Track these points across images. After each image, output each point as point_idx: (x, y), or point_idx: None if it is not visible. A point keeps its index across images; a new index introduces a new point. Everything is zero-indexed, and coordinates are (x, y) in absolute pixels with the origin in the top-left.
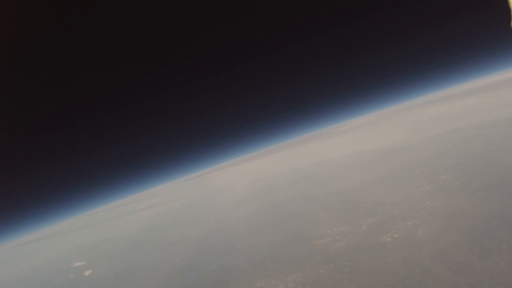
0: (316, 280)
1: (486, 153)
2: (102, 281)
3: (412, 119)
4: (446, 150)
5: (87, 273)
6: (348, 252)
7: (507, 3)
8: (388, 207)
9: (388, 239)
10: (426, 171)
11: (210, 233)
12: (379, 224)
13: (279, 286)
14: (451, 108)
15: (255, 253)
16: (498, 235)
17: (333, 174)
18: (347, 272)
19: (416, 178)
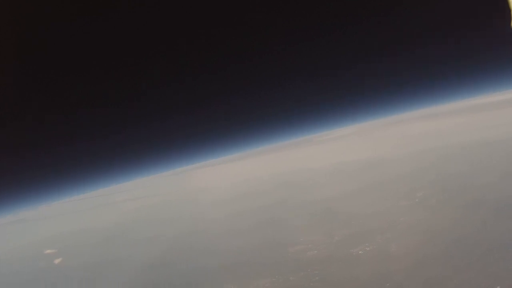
0: (285, 287)
1: (467, 172)
2: (71, 271)
3: (399, 133)
4: (427, 167)
5: (57, 261)
6: (319, 261)
7: (507, 3)
8: (364, 219)
9: (360, 252)
10: (405, 186)
11: (186, 232)
12: (353, 236)
13: None
14: (439, 125)
15: (228, 256)
16: (472, 252)
17: (315, 182)
18: (316, 281)
19: (395, 193)
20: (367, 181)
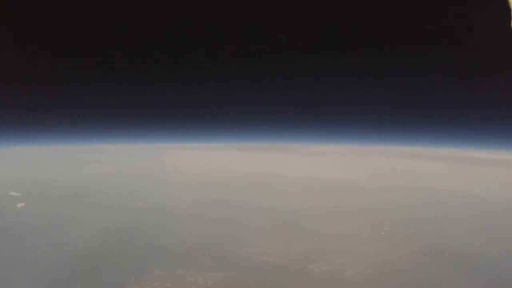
0: (235, 285)
1: (439, 219)
2: (30, 218)
3: (382, 164)
4: (400, 204)
5: (19, 205)
6: (274, 268)
7: (507, 3)
8: (326, 238)
9: (316, 269)
10: (373, 217)
11: (150, 207)
12: (313, 252)
13: (199, 279)
14: (427, 166)
15: (185, 240)
16: None
17: (285, 190)
18: (267, 287)
19: (361, 221)
20: (336, 202)
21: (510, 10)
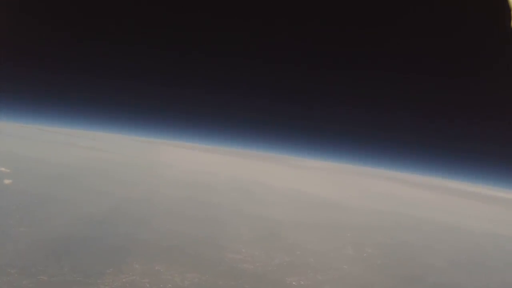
0: None
1: (421, 248)
2: (16, 195)
3: (372, 186)
4: (384, 228)
5: (6, 181)
6: (253, 276)
7: (507, 3)
8: (307, 253)
9: (294, 283)
10: (356, 238)
11: (135, 199)
12: (293, 265)
13: (176, 278)
14: (416, 193)
15: (166, 237)
16: None
17: (271, 199)
18: None
19: (344, 240)
20: (320, 218)
21: (510, 10)
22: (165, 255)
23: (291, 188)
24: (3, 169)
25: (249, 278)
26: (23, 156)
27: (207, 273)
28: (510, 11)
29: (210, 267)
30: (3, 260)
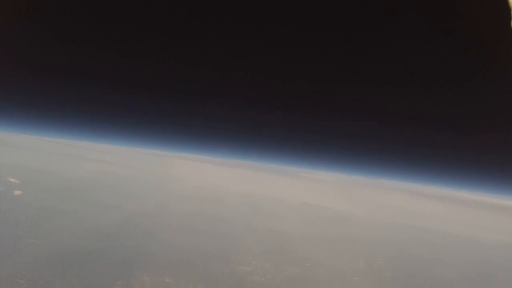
0: None
1: (431, 261)
2: (26, 206)
3: (383, 199)
4: (394, 240)
5: (16, 192)
6: None
7: (507, 3)
8: (317, 265)
9: None
10: (367, 251)
11: (144, 213)
12: (303, 277)
13: None
14: (427, 205)
15: (176, 250)
16: None
17: (280, 213)
18: None
19: (355, 253)
20: (331, 232)
21: (510, 10)
22: (175, 268)
23: (301, 201)
24: (13, 180)
25: None
26: (33, 168)
27: (218, 285)
28: (510, 11)
29: (220, 279)
30: (12, 270)
